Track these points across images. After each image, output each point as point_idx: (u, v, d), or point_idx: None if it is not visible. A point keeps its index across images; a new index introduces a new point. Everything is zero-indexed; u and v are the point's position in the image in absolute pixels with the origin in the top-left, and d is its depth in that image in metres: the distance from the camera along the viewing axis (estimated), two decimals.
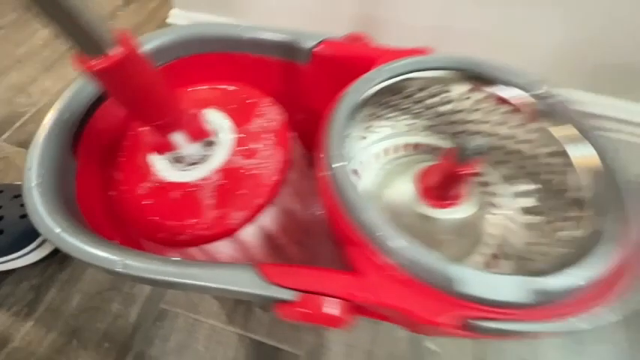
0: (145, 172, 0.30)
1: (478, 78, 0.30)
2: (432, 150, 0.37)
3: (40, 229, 0.22)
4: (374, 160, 0.37)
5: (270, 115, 0.33)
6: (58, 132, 0.28)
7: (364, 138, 0.37)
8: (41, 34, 0.75)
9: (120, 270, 0.20)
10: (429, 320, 0.20)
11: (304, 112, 0.38)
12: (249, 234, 0.29)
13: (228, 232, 0.28)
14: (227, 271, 0.20)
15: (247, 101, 0.35)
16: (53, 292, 0.44)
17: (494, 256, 0.32)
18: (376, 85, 0.29)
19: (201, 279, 0.20)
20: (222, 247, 0.28)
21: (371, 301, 0.20)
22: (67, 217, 0.23)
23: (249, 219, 0.28)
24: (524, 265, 0.29)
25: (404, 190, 0.31)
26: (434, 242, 0.29)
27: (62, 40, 0.18)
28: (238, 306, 0.44)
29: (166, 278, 0.20)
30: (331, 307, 0.20)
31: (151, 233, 0.28)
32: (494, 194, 0.34)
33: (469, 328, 0.20)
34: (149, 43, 0.34)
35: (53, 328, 0.42)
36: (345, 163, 0.24)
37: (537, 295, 0.19)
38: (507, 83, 0.29)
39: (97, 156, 0.32)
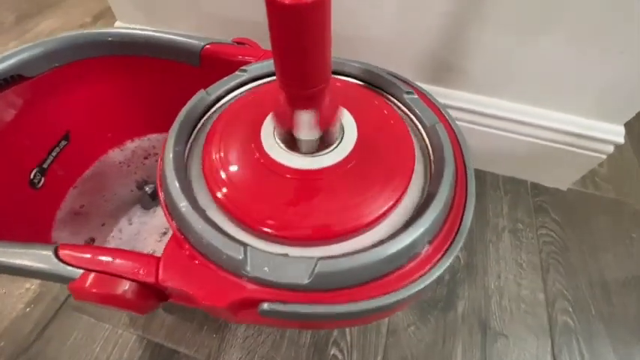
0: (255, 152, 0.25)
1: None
2: None
3: None
4: None
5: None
6: None
7: None
8: None
9: None
10: (213, 303, 0.19)
11: None
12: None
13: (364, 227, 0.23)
14: (24, 249, 0.21)
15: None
16: None
17: None
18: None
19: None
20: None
21: (156, 282, 0.20)
22: None
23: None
24: None
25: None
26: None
27: None
28: None
29: None
30: (120, 288, 0.20)
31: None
32: None
33: (263, 313, 0.20)
34: (48, 45, 0.35)
35: None
36: (173, 152, 0.25)
37: (323, 277, 0.19)
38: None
39: None
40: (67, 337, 0.41)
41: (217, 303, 0.19)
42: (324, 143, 0.24)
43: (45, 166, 0.38)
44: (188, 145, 0.28)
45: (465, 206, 0.24)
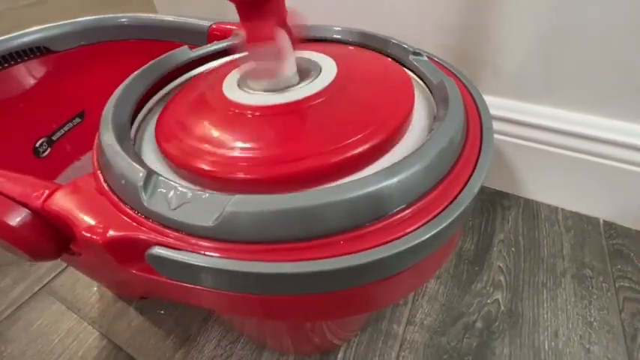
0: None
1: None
2: None
3: None
4: None
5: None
6: None
7: None
8: None
9: None
10: (91, 237, 0.15)
11: None
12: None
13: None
14: None
15: None
16: None
17: None
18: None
19: None
20: None
21: (41, 207, 0.16)
22: None
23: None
24: None
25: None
26: None
27: None
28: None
29: None
30: (9, 214, 0.16)
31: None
32: None
33: (150, 259, 0.14)
34: (78, 24, 0.38)
35: None
36: (124, 87, 0.22)
37: (234, 221, 0.13)
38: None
39: None
40: (34, 322, 0.38)
41: (96, 237, 0.14)
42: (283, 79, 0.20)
43: (54, 138, 0.39)
44: (153, 101, 0.25)
45: (475, 166, 0.17)
